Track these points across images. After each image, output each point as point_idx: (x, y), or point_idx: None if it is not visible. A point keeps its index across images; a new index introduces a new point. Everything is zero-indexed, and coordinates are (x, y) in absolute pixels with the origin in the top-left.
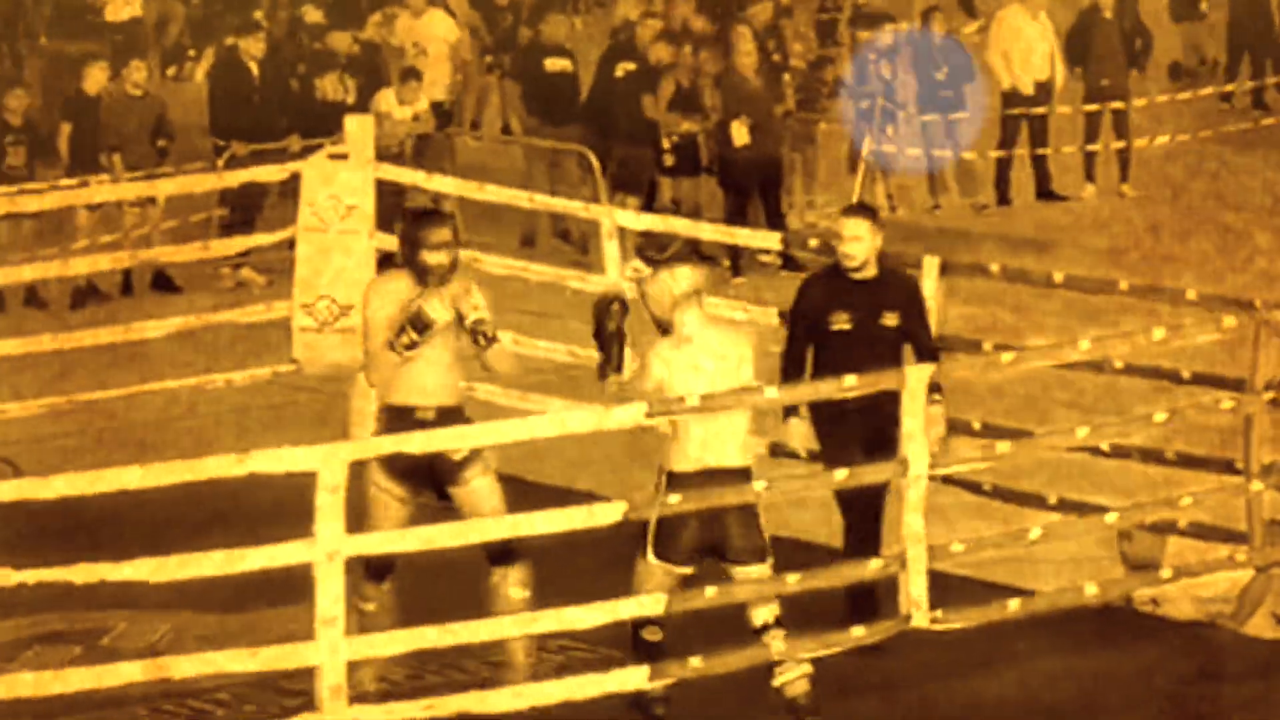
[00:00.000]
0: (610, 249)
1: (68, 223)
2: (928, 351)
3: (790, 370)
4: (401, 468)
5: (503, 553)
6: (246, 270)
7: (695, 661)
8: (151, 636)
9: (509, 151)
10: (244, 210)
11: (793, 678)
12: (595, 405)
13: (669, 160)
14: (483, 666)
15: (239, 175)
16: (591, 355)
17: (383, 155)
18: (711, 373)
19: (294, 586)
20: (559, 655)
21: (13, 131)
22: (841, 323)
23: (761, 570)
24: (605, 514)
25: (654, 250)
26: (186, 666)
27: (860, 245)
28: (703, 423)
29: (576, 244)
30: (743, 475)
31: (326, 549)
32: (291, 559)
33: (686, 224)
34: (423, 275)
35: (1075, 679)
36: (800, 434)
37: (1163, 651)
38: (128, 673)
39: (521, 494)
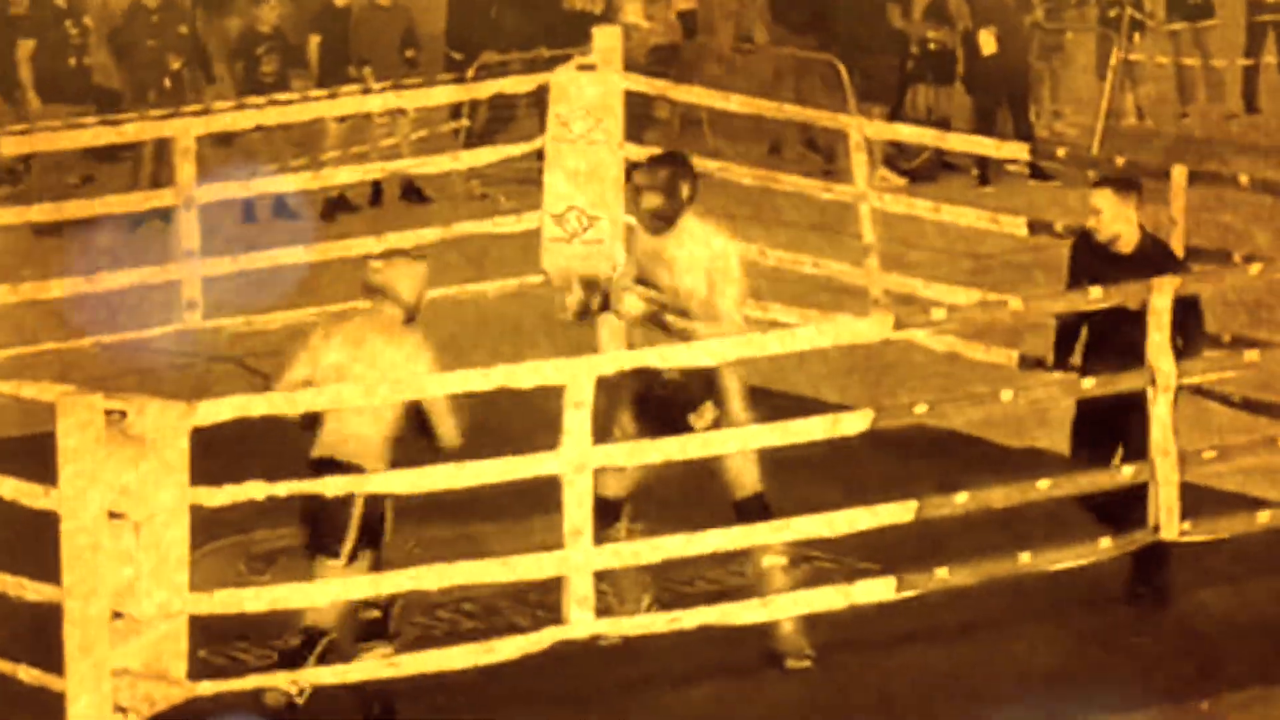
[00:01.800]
0: (858, 159)
1: (318, 134)
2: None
3: (1061, 327)
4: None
5: (757, 512)
6: (475, 184)
7: (942, 572)
8: (400, 550)
9: (756, 61)
10: (493, 120)
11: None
12: (840, 317)
13: (917, 69)
14: (727, 578)
15: (488, 86)
16: (833, 266)
17: (630, 65)
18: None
19: (546, 498)
20: (804, 567)
21: (265, 40)
22: None
23: (330, 564)
24: (851, 423)
25: (904, 160)
26: (436, 577)
27: (1100, 219)
28: (338, 418)
29: (823, 153)
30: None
31: (574, 461)
32: (539, 470)
33: (934, 134)
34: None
35: None
36: None
37: None
38: (376, 584)
39: (764, 404)
